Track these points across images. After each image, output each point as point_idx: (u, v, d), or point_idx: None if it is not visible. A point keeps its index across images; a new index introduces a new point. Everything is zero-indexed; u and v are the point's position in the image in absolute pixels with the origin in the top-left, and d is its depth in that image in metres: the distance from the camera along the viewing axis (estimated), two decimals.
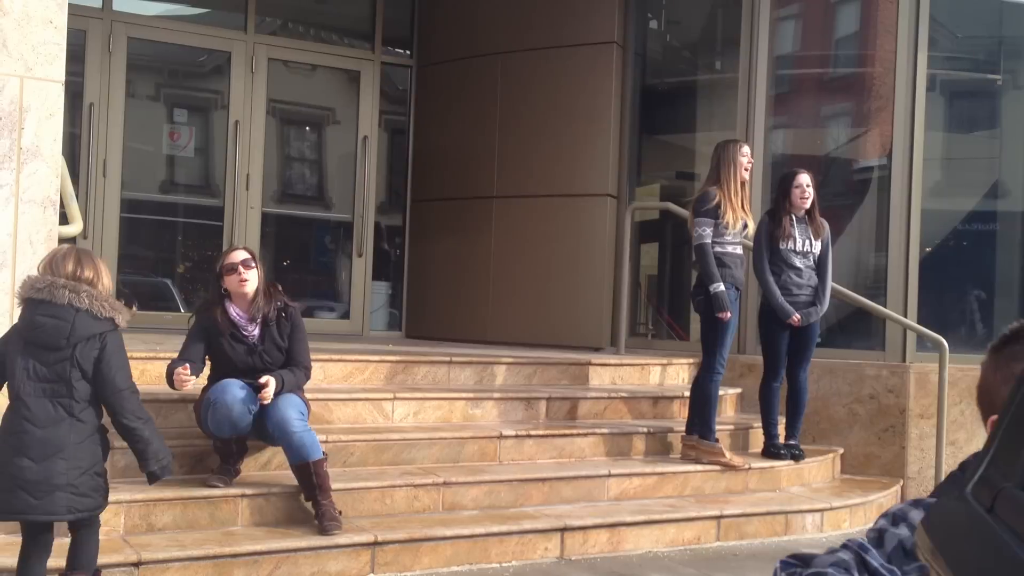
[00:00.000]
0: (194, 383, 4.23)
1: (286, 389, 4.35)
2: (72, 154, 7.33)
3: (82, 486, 3.30)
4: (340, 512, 4.32)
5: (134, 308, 3.54)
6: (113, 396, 3.37)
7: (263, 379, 4.26)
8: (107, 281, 3.44)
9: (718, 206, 5.51)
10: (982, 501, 1.43)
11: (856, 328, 7.18)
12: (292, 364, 4.47)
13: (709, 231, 5.50)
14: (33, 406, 3.26)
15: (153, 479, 3.49)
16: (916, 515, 1.60)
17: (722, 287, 5.45)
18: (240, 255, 4.46)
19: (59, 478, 3.24)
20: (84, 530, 3.45)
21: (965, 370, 6.28)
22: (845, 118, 7.92)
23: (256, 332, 4.44)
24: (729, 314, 5.47)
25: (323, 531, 4.22)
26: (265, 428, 4.29)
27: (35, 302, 3.31)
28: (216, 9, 8.69)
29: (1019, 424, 1.48)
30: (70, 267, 3.35)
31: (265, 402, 4.24)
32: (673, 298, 8.49)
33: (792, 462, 5.92)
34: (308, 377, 4.56)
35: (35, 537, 3.38)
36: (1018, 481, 1.37)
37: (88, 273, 3.36)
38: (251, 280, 4.41)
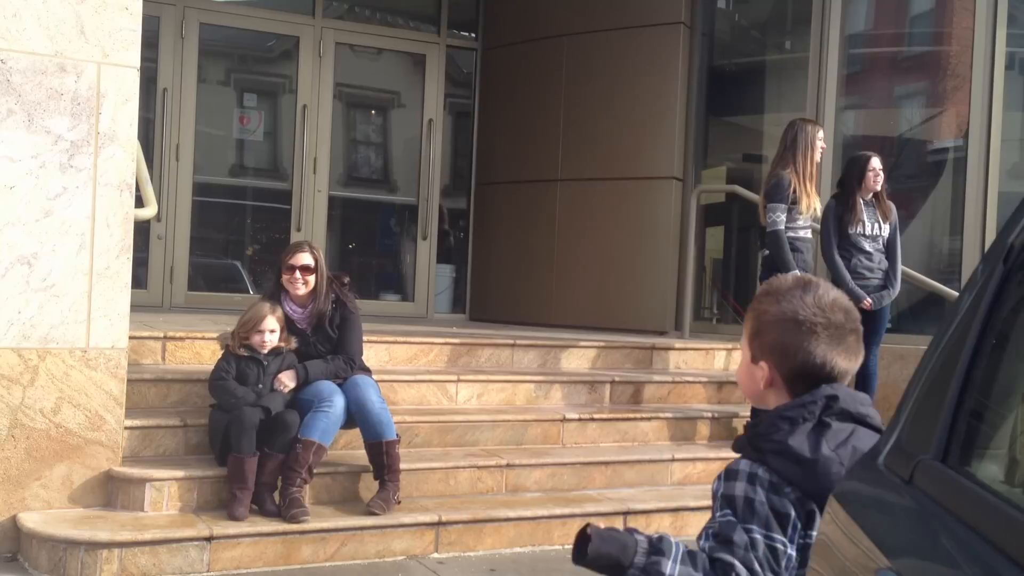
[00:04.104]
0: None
1: (312, 378, 4.40)
2: (146, 138, 7.51)
3: None
4: (399, 501, 4.36)
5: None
6: None
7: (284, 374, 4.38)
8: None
9: (793, 191, 5.42)
10: (899, 472, 1.41)
11: (928, 313, 7.01)
12: (337, 352, 4.53)
13: (783, 216, 5.41)
14: None
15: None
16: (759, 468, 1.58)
17: (797, 274, 5.37)
18: (303, 259, 4.49)
19: None
20: None
21: None
22: (919, 98, 7.71)
23: (309, 327, 4.54)
24: None
25: (366, 508, 4.28)
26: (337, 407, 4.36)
27: None
28: None
29: (931, 394, 1.45)
30: None
31: (284, 389, 4.34)
32: (739, 282, 8.38)
33: None
34: (350, 367, 4.53)
35: None
36: (934, 452, 1.35)
37: None
38: (306, 286, 4.50)
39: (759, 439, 1.58)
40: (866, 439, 1.57)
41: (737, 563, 1.46)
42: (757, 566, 1.44)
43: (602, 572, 1.55)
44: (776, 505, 1.50)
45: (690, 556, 1.54)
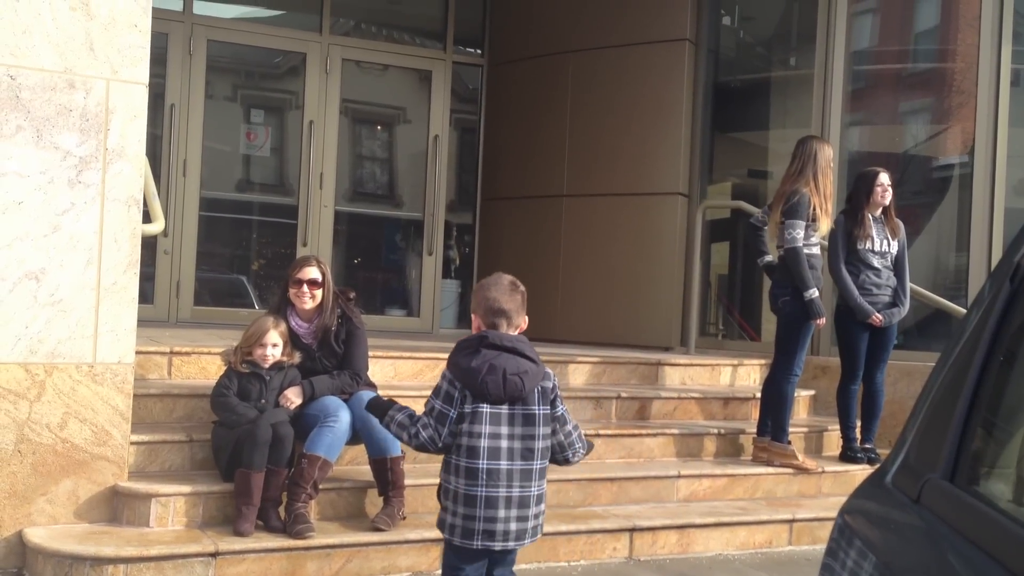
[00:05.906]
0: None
1: (318, 394, 4.39)
2: (154, 154, 7.53)
3: None
4: (404, 517, 4.35)
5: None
6: None
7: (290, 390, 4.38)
8: None
9: (813, 209, 5.43)
10: (907, 491, 1.41)
11: (935, 330, 7.00)
12: (343, 368, 4.52)
13: (802, 234, 5.41)
14: None
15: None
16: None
17: (817, 293, 5.39)
18: (311, 273, 4.46)
19: None
20: None
21: None
22: (924, 114, 7.72)
23: (314, 342, 4.52)
24: (824, 320, 5.46)
25: (371, 524, 4.27)
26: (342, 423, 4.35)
27: None
28: (292, 11, 8.85)
29: (939, 413, 1.45)
30: None
31: (290, 406, 4.32)
32: (744, 298, 8.38)
33: (868, 466, 5.80)
34: (356, 383, 4.52)
35: None
36: (942, 470, 1.35)
37: None
38: (313, 300, 4.47)
39: (450, 358, 2.98)
40: (504, 359, 2.95)
41: (423, 416, 2.99)
42: (432, 420, 2.97)
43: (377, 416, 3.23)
44: (449, 391, 2.97)
45: (410, 417, 3.03)
